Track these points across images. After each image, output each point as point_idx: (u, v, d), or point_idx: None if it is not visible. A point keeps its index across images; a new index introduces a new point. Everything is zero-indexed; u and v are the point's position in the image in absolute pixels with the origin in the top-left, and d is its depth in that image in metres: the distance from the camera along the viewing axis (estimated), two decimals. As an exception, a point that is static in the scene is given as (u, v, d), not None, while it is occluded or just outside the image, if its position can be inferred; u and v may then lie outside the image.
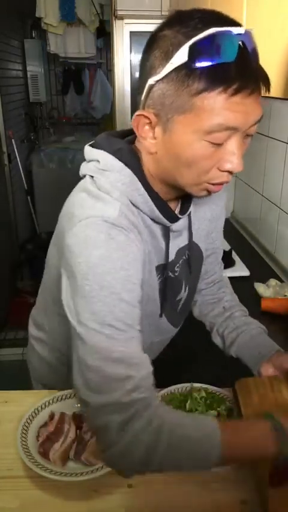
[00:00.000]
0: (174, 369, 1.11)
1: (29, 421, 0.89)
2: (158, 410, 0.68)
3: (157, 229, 0.83)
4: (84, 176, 0.80)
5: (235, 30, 0.63)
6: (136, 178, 0.76)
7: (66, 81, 4.51)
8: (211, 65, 0.61)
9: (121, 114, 2.35)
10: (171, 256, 0.89)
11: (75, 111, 4.59)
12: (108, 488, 0.79)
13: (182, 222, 0.87)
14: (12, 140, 3.49)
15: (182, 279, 0.94)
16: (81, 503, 0.77)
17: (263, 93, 0.68)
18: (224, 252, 1.85)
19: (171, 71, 0.64)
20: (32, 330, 1.10)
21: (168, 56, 0.64)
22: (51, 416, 0.90)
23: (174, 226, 0.85)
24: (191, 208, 0.88)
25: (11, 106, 3.67)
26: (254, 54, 0.65)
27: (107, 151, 0.77)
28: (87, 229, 0.71)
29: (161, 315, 0.92)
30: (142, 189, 0.76)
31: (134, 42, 2.26)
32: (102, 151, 0.77)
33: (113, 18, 2.18)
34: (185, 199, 0.86)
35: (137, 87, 0.73)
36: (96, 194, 0.74)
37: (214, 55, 0.61)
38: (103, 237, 0.70)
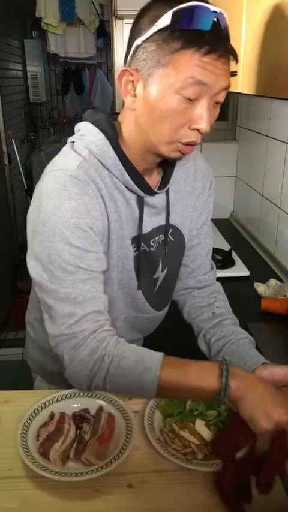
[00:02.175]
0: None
1: (29, 421, 0.89)
2: (104, 343, 0.82)
3: (132, 198, 0.89)
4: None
5: (212, 7, 0.74)
6: (108, 142, 0.85)
7: (66, 81, 4.51)
8: (188, 29, 0.72)
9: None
10: (146, 229, 0.93)
11: (75, 111, 4.59)
12: (108, 488, 0.79)
13: (160, 200, 0.93)
14: (12, 140, 3.49)
15: (159, 257, 0.98)
16: (81, 503, 0.77)
17: (232, 66, 0.78)
18: (224, 252, 1.87)
19: (155, 32, 0.74)
20: (28, 316, 1.16)
21: (154, 21, 0.75)
22: (51, 416, 0.90)
23: (151, 200, 0.91)
24: (174, 194, 0.97)
25: (11, 106, 3.67)
26: (226, 30, 0.76)
27: (88, 121, 0.88)
28: (48, 180, 0.83)
29: (138, 288, 0.97)
30: (112, 152, 0.84)
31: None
32: (85, 121, 0.89)
33: (113, 18, 2.18)
34: (165, 176, 0.93)
35: (125, 53, 0.82)
36: (67, 153, 0.87)
37: (192, 21, 0.72)
38: (59, 188, 0.81)
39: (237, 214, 2.43)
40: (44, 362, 1.13)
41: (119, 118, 0.88)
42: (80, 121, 0.91)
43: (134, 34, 0.79)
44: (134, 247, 0.92)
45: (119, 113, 0.90)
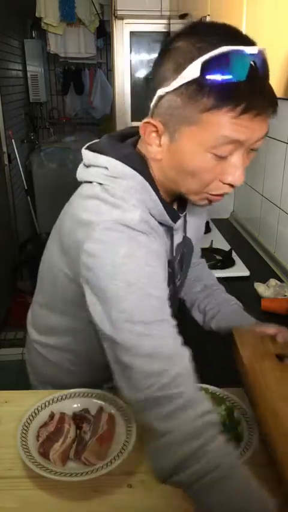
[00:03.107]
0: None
1: (29, 421, 0.89)
2: (209, 433, 0.64)
3: (162, 231, 0.84)
4: (88, 182, 0.80)
5: (248, 49, 0.64)
6: (148, 184, 0.77)
7: (66, 81, 4.51)
8: (221, 83, 0.63)
9: (121, 114, 2.34)
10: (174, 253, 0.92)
11: (75, 111, 4.59)
12: (108, 488, 0.79)
13: (180, 221, 0.90)
14: (12, 140, 3.49)
15: (177, 272, 0.98)
16: (81, 503, 0.77)
17: (269, 115, 0.70)
18: (224, 252, 1.87)
19: (182, 85, 0.66)
20: (34, 334, 1.08)
21: (180, 69, 0.66)
22: (51, 416, 0.90)
23: (175, 225, 0.88)
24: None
25: (11, 106, 3.67)
26: (265, 74, 0.67)
27: (115, 158, 0.77)
28: (108, 232, 0.72)
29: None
30: (154, 194, 0.78)
31: (134, 42, 2.26)
32: (109, 157, 0.78)
33: (113, 18, 2.18)
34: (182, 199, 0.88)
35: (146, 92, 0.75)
36: (112, 202, 0.74)
37: (225, 73, 0.63)
38: (125, 237, 0.71)
39: (237, 214, 2.42)
40: (60, 377, 1.07)
41: (140, 147, 0.80)
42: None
43: (157, 78, 0.71)
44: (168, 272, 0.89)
45: (131, 132, 0.85)
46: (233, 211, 2.48)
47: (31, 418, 0.90)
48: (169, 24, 2.17)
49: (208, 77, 0.64)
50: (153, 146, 0.75)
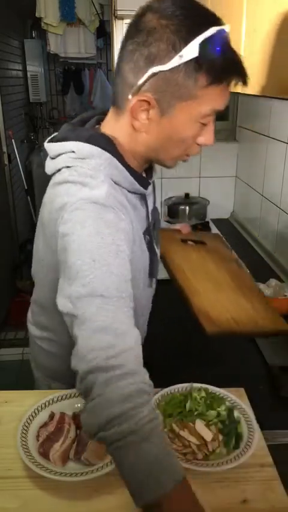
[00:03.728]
0: (172, 370, 1.11)
1: (29, 421, 0.89)
2: (140, 399, 0.66)
3: (136, 200, 0.91)
4: (57, 171, 0.84)
5: (226, 28, 0.72)
6: (115, 159, 0.82)
7: (66, 81, 4.51)
8: (217, 61, 0.71)
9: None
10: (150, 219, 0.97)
11: (75, 111, 4.58)
12: (108, 488, 0.79)
13: (150, 188, 0.97)
14: (12, 140, 3.49)
15: (155, 238, 1.02)
16: (81, 503, 0.77)
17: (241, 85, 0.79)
18: (224, 252, 1.86)
19: (180, 64, 0.71)
20: (34, 330, 1.11)
21: (176, 49, 0.71)
22: (51, 416, 0.90)
23: (147, 192, 0.94)
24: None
25: (11, 106, 3.67)
26: (234, 48, 0.75)
27: (81, 141, 0.82)
28: (77, 211, 0.76)
29: (150, 276, 1.01)
30: (121, 167, 0.83)
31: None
32: (74, 142, 0.82)
33: (113, 18, 2.18)
34: (149, 166, 0.96)
35: (118, 69, 0.79)
36: (81, 181, 0.79)
37: (219, 52, 0.70)
38: (93, 215, 0.75)
39: (237, 214, 2.43)
40: (63, 368, 1.05)
41: (108, 131, 0.85)
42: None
43: (143, 55, 0.73)
44: (146, 239, 0.95)
45: (88, 118, 0.91)
46: (233, 211, 2.48)
47: (31, 418, 0.90)
48: (169, 24, 2.17)
49: (206, 57, 0.70)
50: (139, 120, 0.79)
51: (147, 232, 0.96)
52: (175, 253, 1.27)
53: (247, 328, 1.05)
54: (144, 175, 0.96)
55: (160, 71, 0.72)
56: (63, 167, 0.83)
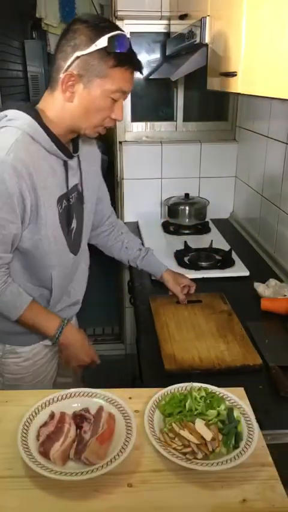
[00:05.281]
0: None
1: (29, 420, 0.89)
2: None
3: (56, 165, 1.14)
4: None
5: (126, 34, 1.06)
6: (35, 122, 1.07)
7: (67, 82, 4.51)
8: (119, 51, 1.02)
9: (121, 114, 2.35)
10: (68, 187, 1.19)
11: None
12: (108, 488, 0.79)
13: (75, 162, 1.21)
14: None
15: (73, 210, 1.23)
16: (81, 503, 0.77)
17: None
18: (224, 252, 1.87)
19: (95, 50, 1.01)
20: None
21: (92, 40, 1.01)
22: (52, 416, 0.91)
23: (70, 162, 1.18)
24: (82, 161, 1.24)
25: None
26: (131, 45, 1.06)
27: (14, 109, 1.09)
28: None
29: (64, 238, 1.21)
30: (40, 129, 1.08)
31: (134, 42, 2.25)
32: (10, 110, 1.10)
33: (113, 18, 2.18)
34: (74, 145, 1.20)
35: (53, 61, 1.08)
36: (2, 131, 1.07)
37: (122, 45, 1.02)
38: None
39: (237, 214, 2.43)
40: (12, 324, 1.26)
41: (40, 106, 1.12)
42: None
43: (70, 45, 1.03)
44: (59, 206, 1.15)
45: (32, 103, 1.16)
46: (232, 212, 2.48)
47: (31, 417, 0.90)
48: (169, 24, 2.17)
49: (113, 46, 1.01)
50: (67, 92, 1.06)
51: (64, 197, 1.17)
52: (165, 313, 1.46)
53: (209, 363, 1.19)
54: (71, 150, 1.19)
55: (82, 55, 1.02)
56: (1, 127, 1.08)
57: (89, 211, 1.33)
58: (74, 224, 1.25)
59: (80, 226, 1.30)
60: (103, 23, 1.06)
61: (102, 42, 1.01)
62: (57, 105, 1.10)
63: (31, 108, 1.11)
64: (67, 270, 1.29)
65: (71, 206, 1.21)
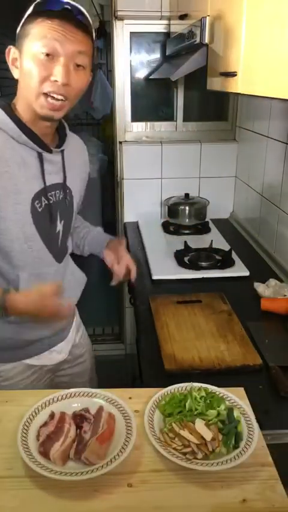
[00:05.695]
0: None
1: (29, 420, 0.89)
2: None
3: (29, 157, 1.05)
4: None
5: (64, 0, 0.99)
6: (4, 113, 1.04)
7: (66, 82, 4.51)
8: (43, 10, 0.97)
9: (121, 114, 2.35)
10: (46, 183, 1.09)
11: (75, 112, 4.59)
12: (108, 488, 0.79)
13: (57, 158, 1.12)
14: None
15: (57, 210, 1.14)
16: (81, 503, 0.77)
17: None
18: (224, 252, 1.87)
19: (25, 18, 0.99)
20: None
21: (26, 12, 0.99)
22: (52, 416, 0.91)
23: (48, 156, 1.08)
24: (69, 161, 1.15)
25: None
26: (81, 15, 0.99)
27: None
28: None
29: (41, 240, 1.11)
30: (7, 118, 1.03)
31: (134, 42, 2.26)
32: None
33: (113, 18, 2.18)
34: (59, 139, 1.14)
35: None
36: None
37: (46, 6, 0.97)
38: None
39: (237, 214, 2.43)
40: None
41: (14, 100, 1.09)
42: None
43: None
44: (37, 203, 1.07)
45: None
46: (232, 211, 2.48)
47: (31, 417, 0.90)
48: (169, 24, 2.17)
49: (36, 8, 0.98)
50: (14, 70, 1.03)
51: (43, 194, 1.08)
52: (165, 313, 1.45)
53: (209, 363, 1.19)
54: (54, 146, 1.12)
55: (20, 28, 1.01)
56: None
57: (74, 218, 1.25)
58: (60, 227, 1.16)
59: (67, 232, 1.21)
60: None
61: (30, 8, 0.99)
62: (19, 91, 1.06)
63: (2, 101, 1.09)
64: (47, 277, 1.15)
65: (51, 206, 1.11)
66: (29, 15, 0.99)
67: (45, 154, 1.08)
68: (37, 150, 1.06)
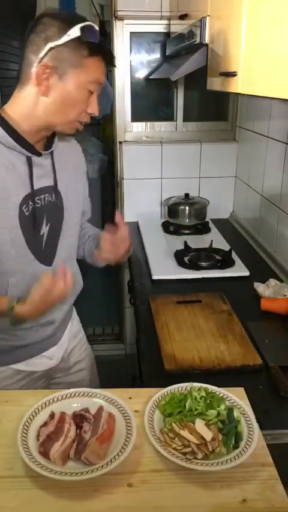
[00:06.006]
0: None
1: (29, 420, 0.89)
2: None
3: (17, 161, 1.05)
4: None
5: (95, 25, 1.03)
6: None
7: (67, 82, 4.51)
8: (92, 40, 1.00)
9: (121, 114, 2.35)
10: (34, 187, 1.09)
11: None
12: (108, 488, 0.79)
13: (46, 161, 1.12)
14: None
15: (43, 214, 1.13)
16: (81, 503, 0.77)
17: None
18: (224, 252, 1.87)
19: (69, 40, 0.98)
20: None
21: (64, 30, 0.98)
22: (52, 416, 0.91)
23: (37, 160, 1.08)
24: (60, 164, 1.15)
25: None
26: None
27: None
28: None
29: (26, 242, 1.10)
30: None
31: (134, 42, 2.26)
32: None
33: (113, 18, 2.18)
34: (48, 142, 1.13)
35: (24, 49, 1.03)
36: None
37: (94, 35, 1.00)
38: None
39: (237, 214, 2.43)
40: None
41: (6, 105, 1.10)
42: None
43: (42, 37, 0.99)
44: (24, 207, 1.07)
45: None
46: (232, 212, 2.48)
47: (31, 417, 0.90)
48: (169, 24, 2.17)
49: (85, 35, 0.99)
50: (42, 86, 1.01)
51: (30, 198, 1.08)
52: (165, 313, 1.45)
53: (209, 363, 1.19)
54: (43, 149, 1.12)
55: (56, 45, 0.98)
56: None
57: (72, 221, 1.22)
58: (44, 230, 1.14)
59: (55, 234, 1.18)
60: (71, 14, 1.05)
61: (75, 31, 0.98)
62: (29, 101, 1.04)
63: None
64: (34, 281, 1.09)
65: (37, 209, 1.10)
66: (77, 41, 0.98)
67: (34, 158, 1.08)
68: (26, 154, 1.06)
